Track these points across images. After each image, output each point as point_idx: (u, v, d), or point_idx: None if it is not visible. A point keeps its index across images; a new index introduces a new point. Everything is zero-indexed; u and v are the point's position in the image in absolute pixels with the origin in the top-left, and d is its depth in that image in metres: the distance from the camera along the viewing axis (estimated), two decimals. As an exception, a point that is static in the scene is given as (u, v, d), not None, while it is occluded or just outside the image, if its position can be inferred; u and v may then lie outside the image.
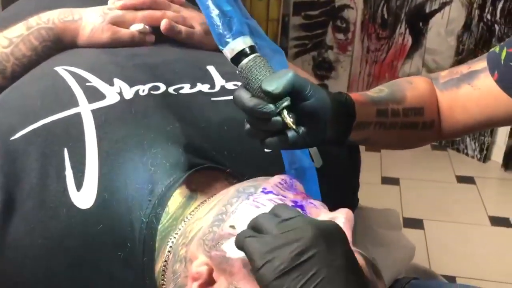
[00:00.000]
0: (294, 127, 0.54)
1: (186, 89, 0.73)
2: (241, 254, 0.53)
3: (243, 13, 0.60)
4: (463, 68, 0.76)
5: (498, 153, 2.37)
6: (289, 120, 0.54)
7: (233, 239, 0.54)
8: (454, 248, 1.87)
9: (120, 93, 0.69)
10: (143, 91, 0.70)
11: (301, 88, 0.54)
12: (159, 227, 0.64)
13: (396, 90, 0.71)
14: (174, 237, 0.63)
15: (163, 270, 0.62)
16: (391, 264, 0.90)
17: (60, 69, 0.71)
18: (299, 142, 0.57)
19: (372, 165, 2.32)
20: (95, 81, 0.69)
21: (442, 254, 1.83)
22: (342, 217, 0.56)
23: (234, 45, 0.57)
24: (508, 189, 2.27)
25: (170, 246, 0.62)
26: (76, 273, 0.60)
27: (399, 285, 0.87)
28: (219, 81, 0.75)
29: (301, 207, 0.58)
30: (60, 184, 0.60)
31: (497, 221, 2.01)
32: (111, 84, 0.69)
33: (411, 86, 0.73)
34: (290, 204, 0.55)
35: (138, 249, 0.62)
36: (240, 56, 0.56)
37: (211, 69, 0.77)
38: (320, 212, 0.59)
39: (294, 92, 0.54)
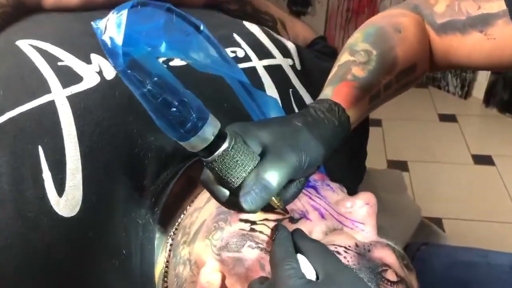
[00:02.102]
0: (284, 212, 0.48)
1: (177, 60, 0.62)
2: (258, 253, 0.47)
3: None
4: (469, 7, 0.62)
5: (479, 89, 2.35)
6: (278, 206, 0.47)
7: (246, 235, 0.47)
8: (439, 189, 1.87)
9: (100, 73, 0.58)
10: None
11: (292, 176, 0.45)
12: (157, 228, 0.56)
13: (386, 51, 0.60)
14: (174, 233, 0.55)
15: (165, 272, 0.55)
16: (400, 230, 0.87)
17: (23, 44, 0.59)
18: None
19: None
20: (69, 59, 0.58)
21: (428, 196, 1.82)
22: (364, 204, 0.52)
23: (198, 141, 0.41)
24: (489, 126, 2.27)
25: (171, 244, 0.55)
26: None
27: (409, 252, 0.83)
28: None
29: (314, 187, 0.53)
30: (38, 189, 0.51)
31: (480, 160, 2.01)
32: (88, 61, 0.58)
33: (401, 38, 0.62)
34: None
35: (135, 255, 0.55)
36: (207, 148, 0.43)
37: None
38: (337, 197, 0.53)
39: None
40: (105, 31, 0.36)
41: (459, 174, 1.95)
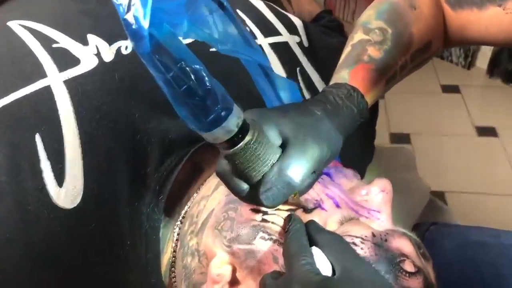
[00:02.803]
0: (303, 206, 0.47)
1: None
2: (270, 245, 0.45)
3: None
4: None
5: (483, 59, 2.31)
6: (295, 200, 0.46)
7: (258, 226, 0.45)
8: (442, 162, 1.85)
9: (98, 55, 0.55)
10: (126, 48, 0.56)
11: (314, 170, 0.43)
12: (162, 217, 0.54)
13: (401, 29, 0.58)
14: (181, 222, 0.53)
15: (173, 262, 0.53)
16: (410, 210, 0.85)
17: (15, 25, 0.55)
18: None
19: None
20: (64, 41, 0.55)
21: (430, 168, 1.80)
22: (379, 191, 0.50)
23: (221, 132, 0.38)
24: (493, 97, 2.23)
25: (177, 234, 0.53)
26: (71, 286, 0.50)
27: (418, 233, 0.81)
28: None
29: (328, 174, 0.51)
30: (37, 180, 0.49)
31: (483, 131, 1.99)
32: (85, 43, 0.55)
33: (416, 15, 0.60)
34: None
35: (140, 246, 0.53)
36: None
37: None
38: (351, 184, 0.51)
39: None
40: (128, 9, 0.32)
41: (462, 146, 1.92)
